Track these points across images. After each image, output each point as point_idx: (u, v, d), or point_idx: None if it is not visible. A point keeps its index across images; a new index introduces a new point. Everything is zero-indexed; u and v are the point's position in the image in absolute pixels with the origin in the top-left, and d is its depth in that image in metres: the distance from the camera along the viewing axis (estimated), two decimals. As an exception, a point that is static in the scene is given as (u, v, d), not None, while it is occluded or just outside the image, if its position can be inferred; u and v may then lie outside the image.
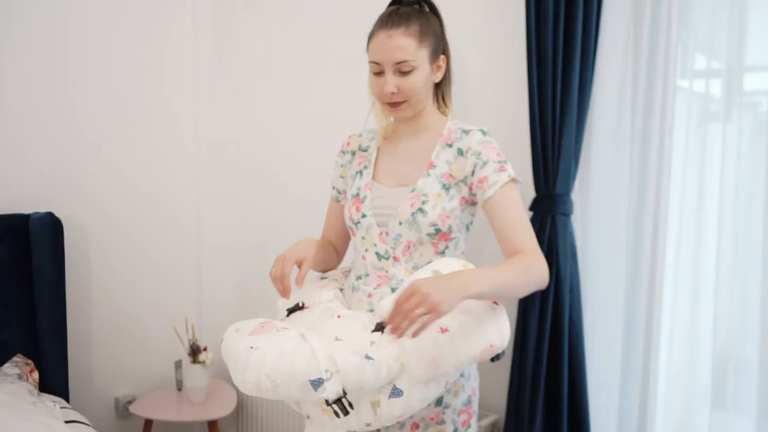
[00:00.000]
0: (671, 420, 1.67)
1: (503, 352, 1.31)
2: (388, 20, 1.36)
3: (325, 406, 1.24)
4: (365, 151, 1.54)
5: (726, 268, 1.55)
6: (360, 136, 1.58)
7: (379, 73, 1.38)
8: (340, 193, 1.60)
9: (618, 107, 1.65)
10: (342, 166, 1.59)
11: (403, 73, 1.36)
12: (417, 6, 1.42)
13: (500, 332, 1.23)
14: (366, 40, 1.41)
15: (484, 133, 1.41)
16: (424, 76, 1.38)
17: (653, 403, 1.66)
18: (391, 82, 1.36)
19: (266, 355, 1.24)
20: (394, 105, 1.40)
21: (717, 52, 1.56)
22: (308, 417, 1.35)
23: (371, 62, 1.39)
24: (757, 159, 1.51)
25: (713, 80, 1.59)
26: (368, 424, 1.24)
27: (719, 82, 1.57)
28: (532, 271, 1.28)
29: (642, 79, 1.63)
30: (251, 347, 1.28)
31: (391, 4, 1.45)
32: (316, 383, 1.19)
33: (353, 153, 1.57)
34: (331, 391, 1.19)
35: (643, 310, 1.66)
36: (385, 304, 1.29)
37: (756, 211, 1.51)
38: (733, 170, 1.53)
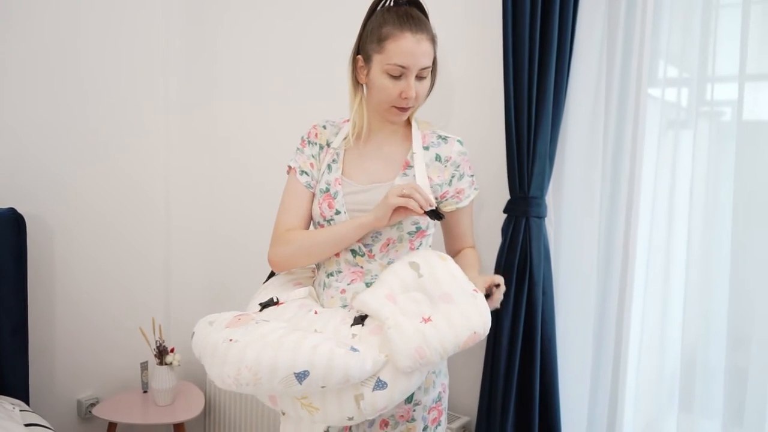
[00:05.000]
0: (640, 422, 1.69)
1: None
2: (409, 22, 1.34)
3: (303, 400, 1.23)
4: (329, 146, 1.50)
5: (694, 272, 1.57)
6: (324, 128, 1.52)
7: (399, 77, 1.35)
8: (312, 179, 1.50)
9: (591, 113, 1.67)
10: (313, 156, 1.50)
11: (421, 78, 1.37)
12: (414, 6, 1.41)
13: (482, 318, 1.25)
14: (373, 39, 1.37)
15: (461, 143, 1.48)
16: (430, 80, 1.42)
17: (622, 405, 1.68)
18: (414, 87, 1.36)
19: (247, 348, 1.21)
20: (403, 109, 1.40)
21: (687, 62, 1.60)
22: (283, 413, 1.32)
23: (394, 65, 1.34)
24: (724, 166, 1.54)
25: (683, 89, 1.62)
26: (350, 418, 1.23)
27: (688, 92, 1.60)
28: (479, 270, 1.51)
29: (615, 86, 1.65)
30: (230, 340, 1.24)
31: (389, 4, 1.41)
32: (302, 376, 1.17)
33: (321, 146, 1.51)
34: None
35: (613, 313, 1.68)
36: (364, 298, 1.30)
37: (723, 217, 1.54)
38: (702, 177, 1.56)
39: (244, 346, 1.21)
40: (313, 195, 1.49)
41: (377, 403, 1.21)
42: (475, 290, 1.28)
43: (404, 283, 1.31)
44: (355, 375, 1.19)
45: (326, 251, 1.42)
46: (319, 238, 1.42)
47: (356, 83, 1.45)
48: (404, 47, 1.33)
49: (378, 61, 1.36)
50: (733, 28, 1.49)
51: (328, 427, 1.29)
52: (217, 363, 1.24)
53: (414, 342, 1.20)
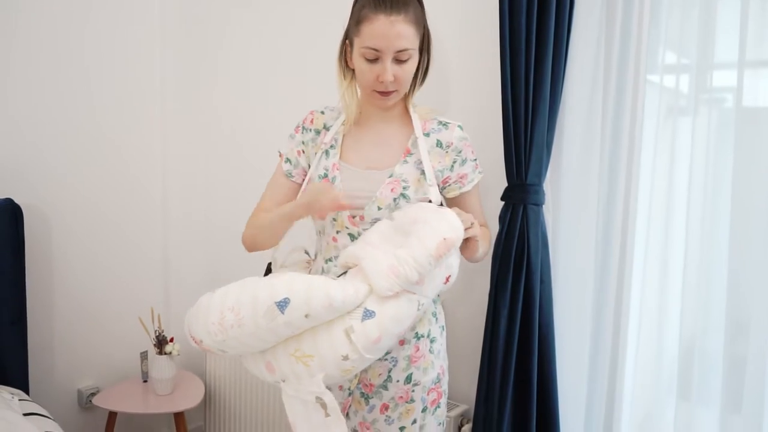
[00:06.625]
0: (638, 410, 1.69)
1: None
2: (385, 4, 1.31)
3: (297, 353, 1.22)
4: (328, 129, 1.49)
5: (693, 260, 1.57)
6: (323, 113, 1.52)
7: (375, 60, 1.33)
8: (294, 168, 1.52)
9: (590, 100, 1.66)
10: (303, 143, 1.51)
11: (400, 62, 1.34)
12: None
13: (450, 225, 1.26)
14: (353, 21, 1.35)
15: (462, 129, 1.47)
16: (415, 64, 1.38)
17: (620, 394, 1.68)
18: (390, 70, 1.33)
19: (228, 293, 1.25)
20: (384, 93, 1.37)
21: (686, 48, 1.58)
22: (283, 381, 1.30)
23: (367, 48, 1.32)
24: (724, 154, 1.53)
25: (682, 76, 1.61)
26: (345, 357, 1.21)
27: (687, 78, 1.58)
28: (488, 243, 1.56)
29: (613, 72, 1.64)
30: (212, 293, 1.29)
31: None
32: (283, 304, 1.17)
33: (317, 131, 1.50)
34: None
35: (611, 301, 1.68)
36: (344, 251, 1.33)
37: (722, 205, 1.53)
38: (701, 164, 1.55)
39: (225, 292, 1.26)
40: (294, 183, 1.51)
41: (369, 333, 1.20)
42: (441, 205, 1.32)
43: (381, 233, 1.33)
44: (338, 298, 1.19)
45: (276, 229, 1.44)
46: (268, 218, 1.45)
47: (346, 67, 1.44)
48: (376, 30, 1.30)
49: (356, 45, 1.35)
50: (733, 13, 1.47)
51: (328, 387, 1.27)
52: (201, 315, 1.26)
53: (386, 263, 1.22)
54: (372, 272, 1.22)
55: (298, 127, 1.53)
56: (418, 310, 1.29)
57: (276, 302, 1.18)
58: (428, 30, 1.41)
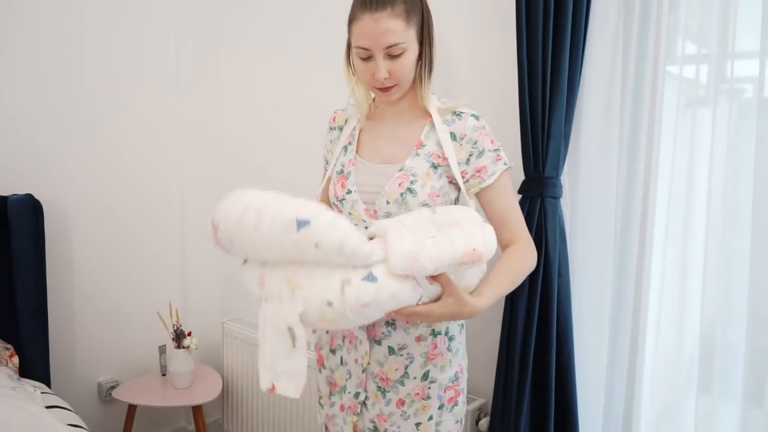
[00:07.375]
0: (658, 403, 1.68)
1: None
2: (371, 1, 1.29)
3: (292, 277, 1.21)
4: (348, 123, 1.53)
5: (714, 252, 1.55)
6: (345, 110, 1.56)
7: (367, 58, 1.33)
8: (327, 165, 1.61)
9: (608, 91, 1.64)
10: (331, 142, 1.58)
11: (394, 57, 1.32)
12: None
13: (485, 238, 1.22)
14: (347, 22, 1.35)
15: (477, 118, 1.41)
16: (413, 56, 1.35)
17: (640, 387, 1.67)
18: (383, 67, 1.31)
19: (260, 195, 1.22)
20: (384, 89, 1.36)
21: (706, 38, 1.56)
22: (266, 301, 1.28)
23: (358, 47, 1.32)
24: (744, 145, 1.51)
25: (702, 66, 1.59)
26: (329, 303, 1.18)
27: (707, 68, 1.56)
28: (526, 270, 1.41)
29: (632, 63, 1.62)
30: (248, 190, 1.26)
31: None
32: (302, 223, 1.16)
33: (340, 128, 1.55)
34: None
35: (630, 293, 1.66)
36: (376, 222, 1.30)
37: (743, 196, 1.51)
38: (721, 155, 1.53)
39: (257, 194, 1.23)
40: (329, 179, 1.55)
41: (362, 294, 1.17)
42: (484, 221, 1.27)
43: (418, 219, 1.30)
44: (350, 246, 1.16)
45: None
46: None
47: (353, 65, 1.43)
48: (362, 29, 1.29)
49: (352, 44, 1.36)
50: (754, 1, 1.45)
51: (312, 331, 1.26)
52: (229, 201, 1.24)
53: (409, 246, 1.19)
54: (393, 247, 1.20)
55: (327, 128, 1.60)
56: (419, 300, 1.26)
57: (297, 219, 1.16)
58: (428, 18, 1.37)
